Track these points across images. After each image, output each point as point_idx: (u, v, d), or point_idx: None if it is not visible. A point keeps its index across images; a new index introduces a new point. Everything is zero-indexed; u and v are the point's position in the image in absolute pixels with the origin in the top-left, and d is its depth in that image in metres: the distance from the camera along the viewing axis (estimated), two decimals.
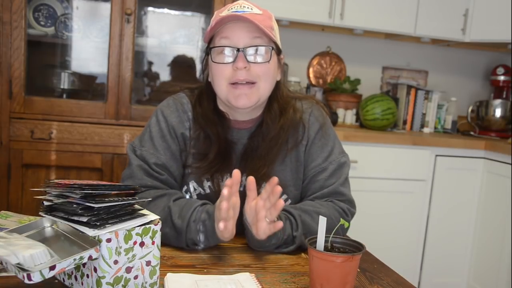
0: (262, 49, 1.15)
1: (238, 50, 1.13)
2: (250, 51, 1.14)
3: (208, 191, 1.24)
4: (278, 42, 1.20)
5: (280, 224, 1.02)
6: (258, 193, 1.16)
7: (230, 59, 1.14)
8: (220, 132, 1.22)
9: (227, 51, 1.14)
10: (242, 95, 1.15)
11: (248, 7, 1.15)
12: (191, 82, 2.70)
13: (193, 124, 1.24)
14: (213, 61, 1.16)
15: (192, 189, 1.24)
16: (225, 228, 1.01)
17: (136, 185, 1.14)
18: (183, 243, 1.09)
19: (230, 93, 1.16)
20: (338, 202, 1.21)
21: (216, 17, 1.17)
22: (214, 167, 1.21)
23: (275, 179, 1.01)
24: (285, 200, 1.25)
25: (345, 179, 1.25)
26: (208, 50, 1.19)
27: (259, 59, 1.14)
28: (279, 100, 1.25)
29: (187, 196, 1.25)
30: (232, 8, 1.15)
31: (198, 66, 2.71)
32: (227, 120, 1.24)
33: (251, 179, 1.04)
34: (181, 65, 2.72)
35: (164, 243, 1.05)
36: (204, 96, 1.26)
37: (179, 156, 1.23)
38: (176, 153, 1.23)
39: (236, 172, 1.02)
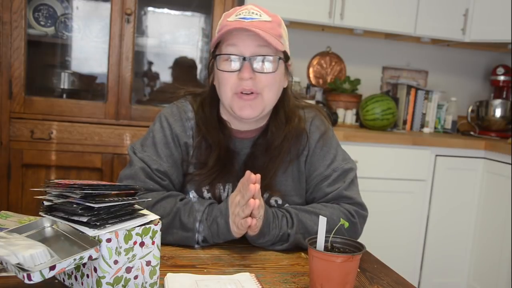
0: (268, 59, 1.12)
1: (244, 59, 1.11)
2: (256, 60, 1.12)
3: None
4: (287, 49, 1.18)
5: (250, 221, 1.03)
6: (264, 202, 1.16)
7: (236, 68, 1.12)
8: (221, 139, 1.20)
9: (233, 59, 1.12)
10: (247, 105, 1.13)
11: (256, 13, 1.12)
12: (191, 82, 2.72)
13: (195, 132, 1.22)
14: (218, 69, 1.14)
15: (193, 199, 1.23)
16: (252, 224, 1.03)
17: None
18: (193, 242, 1.09)
19: (235, 102, 1.14)
20: (344, 205, 1.19)
21: (223, 23, 1.14)
22: (213, 174, 1.19)
23: (252, 177, 1.01)
24: None
25: (350, 183, 1.22)
26: (213, 55, 1.18)
27: (265, 69, 1.12)
28: (285, 107, 1.23)
29: None
30: (240, 14, 1.12)
31: (199, 66, 2.71)
32: (229, 129, 1.23)
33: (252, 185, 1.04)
34: (181, 65, 2.72)
35: (164, 243, 1.05)
36: (208, 102, 1.24)
37: (180, 165, 1.22)
38: (177, 162, 1.21)
39: (248, 174, 1.03)
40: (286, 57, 1.19)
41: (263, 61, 1.12)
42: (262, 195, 1.17)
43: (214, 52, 1.18)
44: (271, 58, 1.12)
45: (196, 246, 1.10)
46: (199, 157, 1.21)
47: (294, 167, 1.24)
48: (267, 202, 1.22)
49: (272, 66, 1.13)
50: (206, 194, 1.22)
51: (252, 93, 1.12)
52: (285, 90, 1.22)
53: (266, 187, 1.19)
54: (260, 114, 1.16)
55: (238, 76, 1.11)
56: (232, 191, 1.22)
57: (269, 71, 1.12)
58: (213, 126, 1.21)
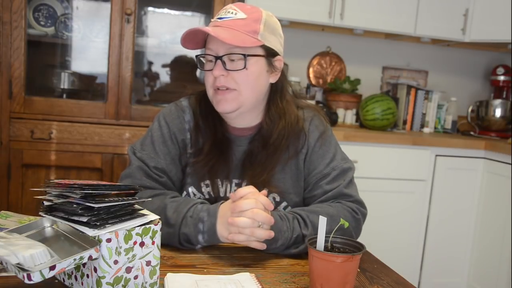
0: (236, 57, 1.15)
1: (216, 58, 1.15)
2: (227, 58, 1.15)
3: (207, 196, 1.24)
4: (272, 45, 1.18)
5: (271, 233, 1.04)
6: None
7: (210, 67, 1.17)
8: (217, 126, 1.24)
9: (210, 59, 1.18)
10: (222, 100, 1.17)
11: (232, 12, 1.16)
12: (191, 82, 2.72)
13: (193, 127, 1.25)
14: (199, 68, 1.22)
15: (191, 195, 1.25)
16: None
17: (136, 184, 1.15)
18: (175, 239, 1.08)
19: (214, 98, 1.19)
20: (345, 202, 1.20)
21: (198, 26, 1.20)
22: (211, 160, 1.21)
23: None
24: (285, 208, 1.25)
25: (349, 181, 1.23)
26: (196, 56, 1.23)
27: (235, 67, 1.15)
28: (277, 103, 1.24)
29: None
30: (219, 14, 1.18)
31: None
32: (225, 123, 1.26)
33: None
34: (181, 65, 2.72)
35: (164, 243, 1.05)
36: (205, 97, 1.26)
37: (179, 161, 1.24)
38: (175, 158, 1.24)
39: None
40: (271, 53, 1.19)
41: (232, 59, 1.15)
42: (260, 191, 1.17)
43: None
44: (238, 56, 1.15)
45: (179, 246, 1.08)
46: (197, 146, 1.24)
47: (293, 165, 1.25)
48: None
49: (240, 64, 1.15)
50: (205, 189, 1.24)
51: (227, 88, 1.16)
52: (274, 86, 1.24)
53: (264, 182, 1.20)
54: (236, 109, 1.18)
55: (213, 74, 1.16)
56: (230, 188, 1.24)
57: (239, 68, 1.15)
58: (209, 117, 1.25)
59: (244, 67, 1.15)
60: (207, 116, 1.25)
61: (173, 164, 1.23)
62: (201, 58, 1.20)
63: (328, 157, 1.24)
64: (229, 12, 1.16)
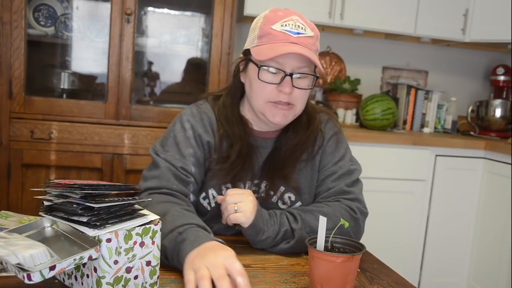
0: (308, 77, 1.17)
1: (285, 74, 1.14)
2: (297, 76, 1.16)
3: None
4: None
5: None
6: (278, 198, 1.24)
7: (276, 81, 1.15)
8: (242, 133, 1.23)
9: (275, 71, 1.15)
10: (280, 114, 1.17)
11: (302, 27, 1.16)
12: (192, 82, 2.71)
13: (216, 131, 1.24)
14: (259, 78, 1.15)
15: (211, 197, 1.24)
16: None
17: (162, 186, 1.13)
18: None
19: (268, 109, 1.17)
20: (344, 201, 1.21)
21: (266, 29, 1.14)
22: (235, 168, 1.21)
23: None
24: None
25: (354, 181, 1.25)
26: (249, 58, 1.19)
27: (303, 85, 1.16)
28: (306, 109, 1.27)
29: (206, 203, 1.24)
30: (286, 25, 1.14)
31: (199, 66, 2.70)
32: (250, 127, 1.26)
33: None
34: (181, 65, 2.72)
35: None
36: (229, 99, 1.27)
37: (203, 164, 1.23)
38: (200, 161, 1.22)
39: None
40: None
41: (302, 78, 1.16)
42: (278, 188, 1.23)
43: (247, 53, 1.20)
44: (310, 77, 1.18)
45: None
46: (221, 153, 1.23)
47: (308, 167, 1.27)
48: (281, 197, 1.25)
49: (310, 84, 1.18)
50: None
51: (287, 103, 1.17)
52: None
53: (285, 178, 1.23)
54: (289, 121, 1.22)
55: (277, 88, 1.15)
56: (250, 188, 1.24)
57: (306, 88, 1.17)
58: (234, 122, 1.24)
59: (312, 86, 1.18)
60: (231, 122, 1.24)
61: (198, 166, 1.21)
62: (265, 69, 1.14)
63: (338, 156, 1.27)
64: (298, 26, 1.15)
